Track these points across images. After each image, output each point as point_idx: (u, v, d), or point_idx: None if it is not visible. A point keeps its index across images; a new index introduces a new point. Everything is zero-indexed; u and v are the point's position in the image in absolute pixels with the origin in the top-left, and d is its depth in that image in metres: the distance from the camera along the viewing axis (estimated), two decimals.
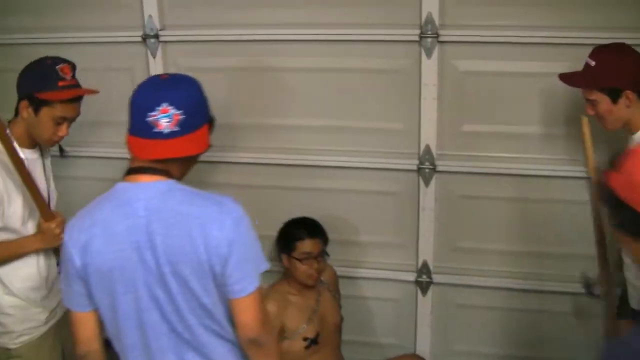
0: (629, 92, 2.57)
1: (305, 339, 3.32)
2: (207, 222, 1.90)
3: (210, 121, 2.09)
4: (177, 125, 1.94)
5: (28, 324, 2.82)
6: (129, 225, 1.93)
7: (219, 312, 2.00)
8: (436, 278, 3.65)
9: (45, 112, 2.62)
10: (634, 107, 2.60)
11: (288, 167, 3.65)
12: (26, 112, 2.63)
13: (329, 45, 3.41)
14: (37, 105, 2.61)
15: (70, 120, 2.70)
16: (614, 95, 2.59)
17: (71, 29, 3.59)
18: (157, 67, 3.56)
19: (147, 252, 1.92)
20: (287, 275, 3.40)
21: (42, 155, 2.84)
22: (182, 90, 1.99)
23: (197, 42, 3.53)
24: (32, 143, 2.75)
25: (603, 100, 2.62)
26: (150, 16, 3.48)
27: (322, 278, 3.44)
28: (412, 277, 3.68)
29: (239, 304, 1.95)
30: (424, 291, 3.69)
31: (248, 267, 1.95)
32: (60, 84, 2.62)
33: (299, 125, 3.59)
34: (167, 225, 1.91)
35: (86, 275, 2.00)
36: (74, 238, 2.00)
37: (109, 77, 3.54)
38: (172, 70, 3.55)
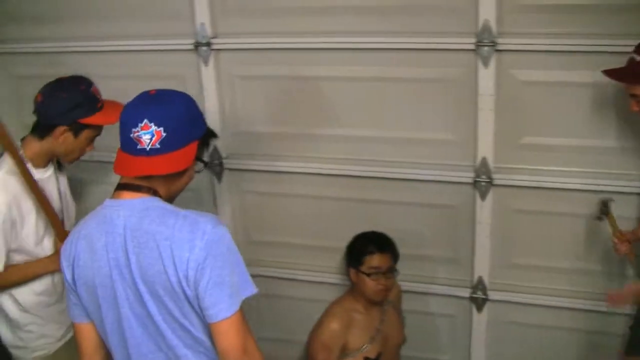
0: None
1: (366, 359, 3.24)
2: (176, 243, 1.85)
3: (202, 138, 2.04)
4: (158, 143, 1.90)
5: (44, 339, 2.87)
6: (108, 241, 1.92)
7: (201, 334, 1.96)
8: (492, 295, 3.54)
9: (86, 134, 2.67)
10: None
11: (341, 177, 3.59)
12: (63, 136, 2.65)
13: (383, 54, 3.32)
14: (79, 129, 2.64)
15: None
16: None
17: (122, 37, 3.59)
18: (208, 75, 3.54)
19: (124, 269, 1.90)
20: (354, 290, 3.33)
21: (56, 172, 2.86)
22: (166, 107, 1.95)
23: (249, 50, 3.49)
24: (46, 162, 2.77)
25: None
26: (202, 24, 3.45)
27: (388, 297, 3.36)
28: (467, 293, 3.58)
29: (215, 328, 1.89)
30: (480, 308, 3.58)
31: (222, 291, 1.87)
32: (98, 105, 2.67)
33: (354, 136, 3.52)
34: (139, 245, 1.88)
35: (76, 288, 2.01)
36: (65, 251, 2.03)
37: (160, 85, 3.52)
38: (224, 78, 3.54)
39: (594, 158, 3.17)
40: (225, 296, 1.87)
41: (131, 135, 1.93)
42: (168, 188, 2.01)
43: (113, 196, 2.00)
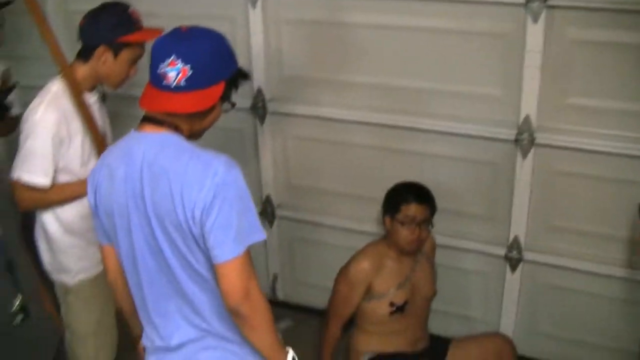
0: None
1: (391, 304, 3.27)
2: (187, 182, 1.88)
3: (231, 78, 2.04)
4: (184, 80, 1.92)
5: (85, 262, 2.94)
6: (127, 172, 1.96)
7: (205, 272, 1.99)
8: (527, 255, 3.52)
9: (124, 54, 2.73)
10: None
11: (383, 127, 3.60)
12: (104, 56, 2.72)
13: (433, 4, 3.28)
14: (118, 49, 2.70)
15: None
16: None
17: None
18: (256, 17, 3.58)
19: (140, 201, 1.94)
20: (387, 238, 3.35)
21: (99, 100, 2.94)
22: (195, 45, 1.95)
23: None
24: (92, 87, 2.84)
25: None
26: None
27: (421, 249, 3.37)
28: (502, 251, 3.57)
29: (218, 269, 1.91)
30: (514, 268, 3.57)
31: (227, 234, 1.89)
32: (137, 26, 2.73)
33: (397, 86, 3.52)
34: (154, 179, 1.91)
35: (98, 213, 2.08)
36: (90, 177, 2.10)
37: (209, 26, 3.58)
38: (271, 21, 3.60)
39: None
40: (229, 239, 1.89)
41: (159, 70, 1.95)
42: (191, 126, 2.03)
43: (137, 128, 2.04)
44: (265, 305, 1.99)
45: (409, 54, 3.42)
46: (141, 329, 2.20)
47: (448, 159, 3.53)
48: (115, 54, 2.71)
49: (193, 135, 2.06)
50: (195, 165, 1.90)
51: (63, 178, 2.77)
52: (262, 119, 3.77)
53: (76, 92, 2.71)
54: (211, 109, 2.03)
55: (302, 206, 3.93)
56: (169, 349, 2.07)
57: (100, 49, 2.70)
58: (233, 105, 2.11)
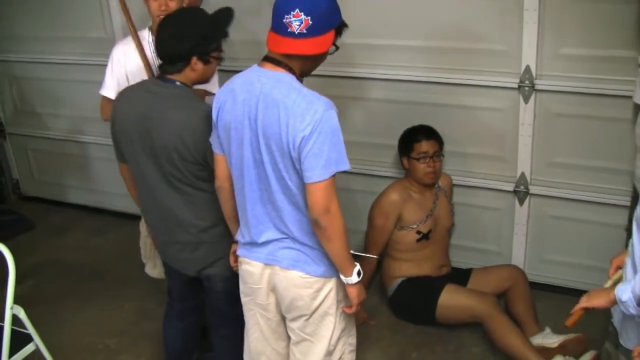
0: None
1: (418, 233, 3.96)
2: (292, 115, 2.40)
3: (338, 28, 2.53)
4: (305, 29, 2.43)
5: None
6: (246, 98, 2.50)
7: (295, 188, 2.51)
8: (533, 189, 4.13)
9: None
10: None
11: (401, 82, 4.22)
12: None
13: None
14: None
15: None
16: None
17: None
18: None
19: (253, 122, 2.49)
20: (408, 177, 4.04)
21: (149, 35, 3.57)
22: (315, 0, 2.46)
23: None
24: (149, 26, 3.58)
25: None
26: None
27: (439, 184, 4.07)
28: (510, 187, 4.18)
29: (308, 187, 2.45)
30: (521, 201, 4.18)
31: (318, 161, 2.39)
32: None
33: (410, 46, 4.13)
34: (267, 107, 2.45)
35: (217, 127, 2.63)
36: (217, 97, 2.63)
37: None
38: None
39: (630, 67, 3.57)
40: (320, 165, 2.42)
41: (284, 20, 2.46)
42: (302, 67, 2.55)
43: (259, 64, 2.56)
44: (341, 222, 2.53)
45: (420, 16, 4.05)
46: (237, 229, 2.78)
47: (460, 108, 4.15)
48: None
49: (303, 75, 2.59)
50: (301, 102, 2.42)
51: None
52: None
53: (135, 35, 3.50)
54: (324, 52, 2.56)
55: None
56: (256, 244, 2.67)
57: None
58: (337, 48, 2.60)
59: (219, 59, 2.94)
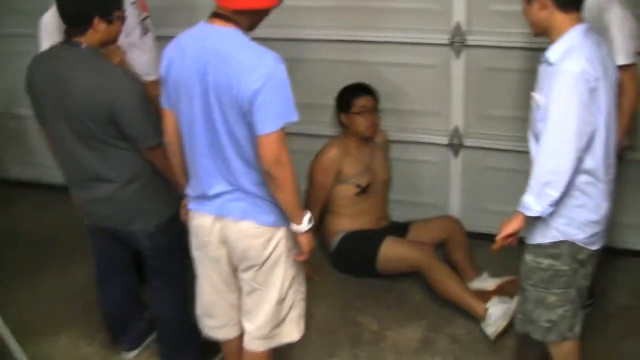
0: None
1: (357, 186, 4.13)
2: (244, 68, 2.49)
3: None
4: None
5: None
6: (196, 53, 2.58)
7: (245, 142, 2.60)
8: (466, 142, 4.34)
9: None
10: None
11: (334, 42, 4.36)
12: None
13: None
14: None
15: None
16: None
17: None
18: None
19: (203, 76, 2.56)
20: (346, 132, 4.19)
21: None
22: None
23: None
24: None
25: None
26: None
27: (375, 139, 4.23)
28: (445, 140, 4.38)
29: (259, 139, 2.55)
30: (456, 153, 4.38)
31: (270, 112, 2.49)
32: None
33: (340, 6, 4.28)
34: (218, 62, 2.53)
35: (166, 83, 2.71)
36: (165, 52, 2.70)
37: None
38: None
39: None
40: (270, 116, 2.53)
41: None
42: (250, 22, 2.64)
43: (208, 21, 2.63)
44: (292, 172, 2.64)
45: None
46: (186, 184, 2.87)
47: (394, 65, 4.31)
48: None
49: (249, 29, 2.66)
50: (251, 56, 2.52)
51: None
52: None
53: None
54: (270, 7, 2.64)
55: None
56: (207, 197, 2.77)
57: None
58: (280, 2, 2.68)
59: (122, 18, 3.01)
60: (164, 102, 2.78)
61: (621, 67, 2.94)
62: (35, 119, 3.13)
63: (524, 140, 4.08)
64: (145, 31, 3.52)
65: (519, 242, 2.90)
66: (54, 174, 5.39)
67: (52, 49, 3.05)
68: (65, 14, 2.90)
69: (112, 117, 2.88)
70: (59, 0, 2.88)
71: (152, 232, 3.15)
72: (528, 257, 2.88)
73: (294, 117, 2.57)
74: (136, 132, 2.95)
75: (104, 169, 3.03)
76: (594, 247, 2.82)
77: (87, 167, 3.04)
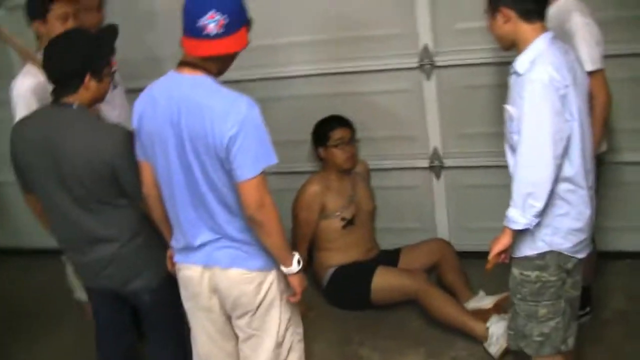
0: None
1: (343, 219, 4.11)
2: (217, 116, 2.47)
3: (248, 23, 2.59)
4: (223, 27, 2.49)
5: None
6: (167, 104, 2.55)
7: (226, 190, 2.58)
8: (446, 162, 4.33)
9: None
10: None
11: (303, 77, 4.36)
12: None
13: None
14: None
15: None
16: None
17: None
18: None
19: (176, 127, 2.54)
20: (324, 166, 4.19)
21: None
22: None
23: None
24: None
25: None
26: None
27: (356, 170, 4.21)
28: (425, 163, 4.37)
29: (240, 186, 2.53)
30: (437, 175, 4.37)
31: (248, 158, 2.49)
32: None
33: (306, 41, 4.28)
34: (189, 111, 2.51)
35: (140, 135, 2.68)
36: (137, 104, 2.67)
37: None
38: None
39: None
40: (249, 162, 2.50)
41: (198, 23, 2.48)
42: (219, 67, 2.62)
43: (176, 70, 2.60)
44: (276, 215, 2.62)
45: (314, 10, 4.20)
46: (170, 234, 2.82)
47: (367, 94, 4.32)
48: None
49: (219, 74, 2.63)
50: (224, 103, 2.48)
51: None
52: None
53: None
54: (242, 49, 2.60)
55: None
56: (192, 248, 2.72)
57: None
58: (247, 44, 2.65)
59: (111, 76, 2.97)
60: (139, 154, 2.73)
61: (590, 74, 2.94)
62: (21, 186, 3.04)
63: (504, 154, 4.16)
64: (114, 85, 3.48)
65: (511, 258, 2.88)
66: (31, 240, 5.39)
67: (40, 112, 2.99)
68: (55, 71, 2.83)
69: (113, 176, 2.81)
70: (49, 58, 2.83)
71: (154, 288, 3.06)
72: (515, 271, 2.86)
73: (273, 160, 2.55)
74: (135, 188, 2.88)
75: (104, 229, 2.94)
76: (580, 256, 2.81)
77: (86, 230, 2.95)
